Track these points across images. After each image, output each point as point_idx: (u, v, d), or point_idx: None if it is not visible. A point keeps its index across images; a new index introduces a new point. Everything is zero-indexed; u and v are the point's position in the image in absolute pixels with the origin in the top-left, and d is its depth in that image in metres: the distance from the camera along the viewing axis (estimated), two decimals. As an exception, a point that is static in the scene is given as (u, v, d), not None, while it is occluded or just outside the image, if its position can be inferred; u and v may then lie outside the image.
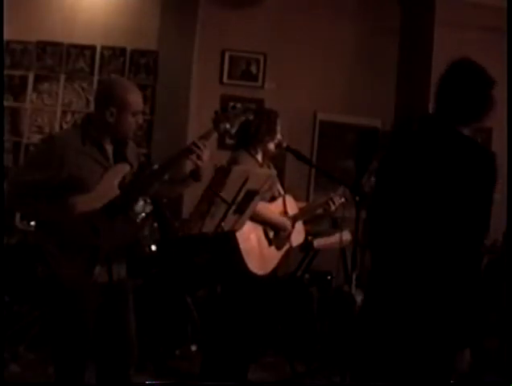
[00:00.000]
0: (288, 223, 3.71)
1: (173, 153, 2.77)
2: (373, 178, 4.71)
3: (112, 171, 2.71)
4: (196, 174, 2.81)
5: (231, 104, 2.88)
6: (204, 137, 2.78)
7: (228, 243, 3.44)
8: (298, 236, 3.85)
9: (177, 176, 2.89)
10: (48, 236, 2.63)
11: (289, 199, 3.81)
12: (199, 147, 2.71)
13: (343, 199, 3.82)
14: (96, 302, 2.70)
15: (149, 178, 2.77)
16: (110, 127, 2.70)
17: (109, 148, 2.75)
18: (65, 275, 2.61)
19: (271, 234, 3.67)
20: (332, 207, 3.82)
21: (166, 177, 2.79)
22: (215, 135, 2.84)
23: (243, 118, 2.92)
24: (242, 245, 3.46)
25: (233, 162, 3.53)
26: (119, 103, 2.67)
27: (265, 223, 3.61)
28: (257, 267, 3.53)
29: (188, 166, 2.88)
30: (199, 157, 2.72)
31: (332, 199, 3.80)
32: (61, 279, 2.61)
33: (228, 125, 2.82)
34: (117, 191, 2.68)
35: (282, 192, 3.83)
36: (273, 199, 3.72)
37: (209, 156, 2.76)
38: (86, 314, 2.68)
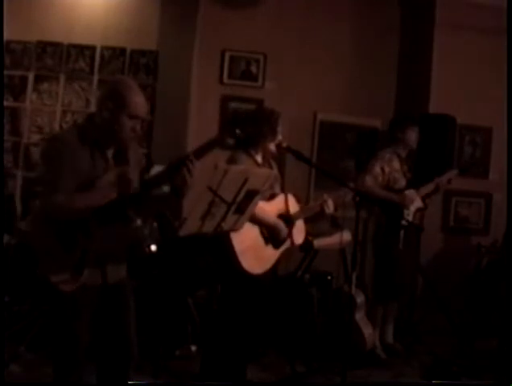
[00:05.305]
0: (282, 226, 3.65)
1: (172, 162, 2.65)
2: (368, 177, 4.73)
3: (111, 174, 2.66)
4: (178, 191, 2.67)
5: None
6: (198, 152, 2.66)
7: (222, 243, 3.44)
8: (299, 234, 3.84)
9: (156, 194, 2.76)
10: (41, 237, 2.60)
11: (290, 198, 3.80)
12: (191, 161, 2.59)
13: (349, 197, 3.76)
14: (90, 304, 2.68)
15: (148, 184, 2.72)
16: (106, 125, 2.65)
17: (110, 149, 2.72)
18: (55, 276, 2.57)
19: (267, 233, 3.66)
20: (327, 211, 3.78)
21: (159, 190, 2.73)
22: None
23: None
24: (236, 245, 3.44)
25: (231, 162, 3.53)
26: (119, 102, 2.62)
27: (259, 224, 3.60)
28: (252, 266, 3.52)
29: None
30: (189, 171, 2.59)
31: (326, 203, 3.77)
32: (52, 280, 2.57)
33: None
34: (113, 195, 2.62)
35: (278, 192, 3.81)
36: (272, 196, 3.71)
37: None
38: (79, 316, 2.65)
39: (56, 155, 2.63)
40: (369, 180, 4.68)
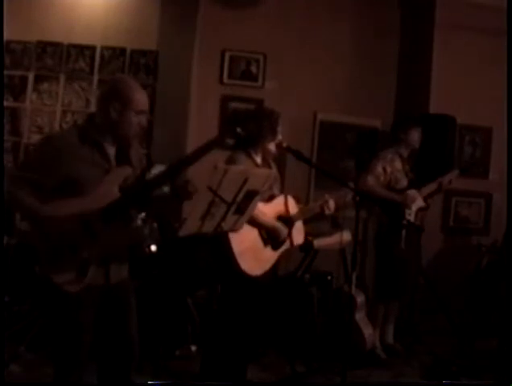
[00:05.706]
0: (282, 229, 3.65)
1: (173, 163, 2.69)
2: (370, 177, 4.73)
3: (113, 174, 2.67)
4: (180, 192, 2.68)
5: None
6: (198, 153, 2.68)
7: (221, 244, 3.43)
8: (298, 235, 3.84)
9: (157, 194, 2.78)
10: (43, 237, 2.58)
11: (290, 200, 3.80)
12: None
13: (349, 197, 3.74)
14: (93, 304, 2.68)
15: (150, 184, 2.72)
16: (112, 125, 2.66)
17: (111, 149, 2.71)
18: (58, 277, 2.57)
19: (266, 234, 3.65)
20: (327, 212, 3.77)
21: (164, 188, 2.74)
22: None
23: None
24: (235, 246, 3.43)
25: (230, 162, 3.52)
26: (123, 100, 2.64)
27: (259, 226, 3.59)
28: (251, 268, 3.51)
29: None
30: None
31: (326, 204, 3.76)
32: (55, 281, 2.57)
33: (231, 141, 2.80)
34: (116, 194, 2.64)
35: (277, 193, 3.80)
36: (271, 197, 3.70)
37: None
38: (82, 316, 2.65)
39: (41, 153, 2.67)
40: (370, 180, 4.69)
